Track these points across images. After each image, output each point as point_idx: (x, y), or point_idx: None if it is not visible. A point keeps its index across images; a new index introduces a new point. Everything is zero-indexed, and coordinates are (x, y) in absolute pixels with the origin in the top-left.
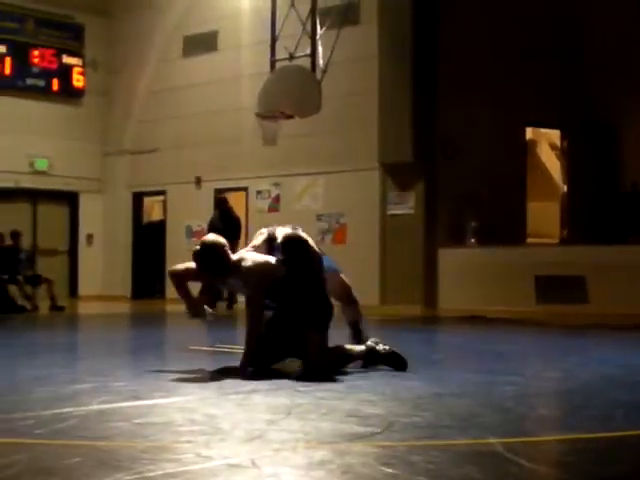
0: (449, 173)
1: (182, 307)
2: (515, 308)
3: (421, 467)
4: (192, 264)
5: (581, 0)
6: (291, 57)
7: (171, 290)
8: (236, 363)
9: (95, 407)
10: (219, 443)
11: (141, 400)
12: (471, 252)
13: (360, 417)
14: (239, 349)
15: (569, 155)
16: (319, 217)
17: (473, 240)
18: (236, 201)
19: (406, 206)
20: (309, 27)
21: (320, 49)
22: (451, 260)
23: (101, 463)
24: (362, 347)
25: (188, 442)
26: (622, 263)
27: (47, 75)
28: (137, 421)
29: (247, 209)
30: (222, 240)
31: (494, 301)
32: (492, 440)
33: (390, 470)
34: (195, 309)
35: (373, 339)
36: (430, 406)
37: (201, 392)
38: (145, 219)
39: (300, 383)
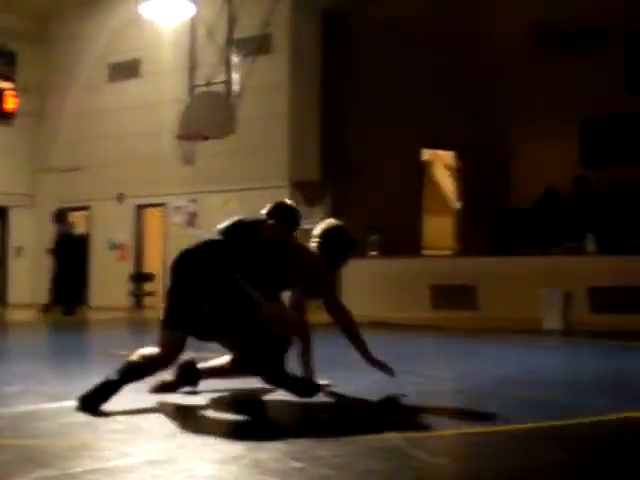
0: (354, 190)
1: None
2: (413, 314)
3: (327, 461)
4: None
5: (478, 29)
6: (208, 83)
7: (95, 298)
8: None
9: (23, 408)
10: (138, 440)
11: (65, 401)
12: (372, 263)
13: (270, 415)
14: None
15: (462, 174)
16: None
17: (374, 252)
18: (155, 216)
19: (313, 221)
20: (225, 56)
21: (235, 76)
22: (354, 270)
23: (28, 460)
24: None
25: (109, 440)
26: (509, 273)
27: None
28: (62, 421)
29: (165, 224)
30: None
31: (394, 308)
32: (393, 435)
33: (298, 464)
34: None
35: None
36: (335, 404)
37: (121, 393)
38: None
39: (216, 384)
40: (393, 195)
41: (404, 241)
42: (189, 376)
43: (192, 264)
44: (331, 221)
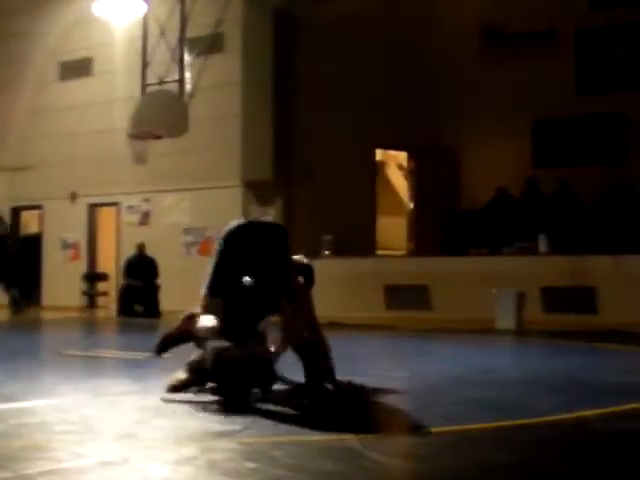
0: (307, 190)
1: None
2: (367, 314)
3: (282, 461)
4: None
5: (430, 29)
6: (161, 82)
7: (47, 297)
8: (107, 367)
9: None
10: (92, 442)
11: (17, 402)
12: (325, 263)
13: (224, 416)
14: (110, 354)
15: (415, 175)
16: (186, 231)
17: (327, 252)
18: (108, 215)
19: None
20: (178, 55)
21: (187, 75)
22: None
23: None
24: None
25: (62, 441)
26: (462, 273)
27: None
28: (13, 422)
29: (119, 223)
30: None
31: (348, 308)
32: (347, 436)
33: (253, 465)
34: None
35: None
36: (288, 405)
37: (74, 394)
38: (23, 232)
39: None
40: (346, 195)
41: (357, 241)
42: (201, 376)
43: (260, 240)
44: (301, 257)
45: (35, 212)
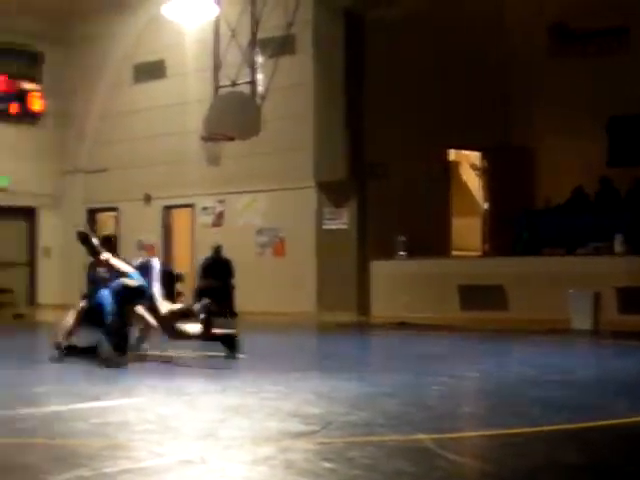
0: (379, 191)
1: None
2: (441, 315)
3: (358, 462)
4: None
5: (502, 32)
6: (233, 84)
7: None
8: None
9: (54, 408)
10: (171, 441)
11: (97, 401)
12: (400, 264)
13: (301, 416)
14: (185, 354)
15: (488, 175)
16: (259, 232)
17: (402, 253)
18: (183, 217)
19: (340, 222)
20: (249, 56)
21: (259, 77)
22: (382, 271)
23: (60, 460)
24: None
25: (142, 440)
26: (537, 273)
27: (6, 99)
28: (94, 421)
29: (193, 224)
30: None
31: (422, 308)
32: (422, 436)
33: (329, 465)
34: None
35: None
36: (365, 405)
37: (152, 394)
38: (99, 233)
39: (248, 384)
40: (420, 195)
41: (431, 242)
42: None
43: None
44: None
45: (111, 214)
